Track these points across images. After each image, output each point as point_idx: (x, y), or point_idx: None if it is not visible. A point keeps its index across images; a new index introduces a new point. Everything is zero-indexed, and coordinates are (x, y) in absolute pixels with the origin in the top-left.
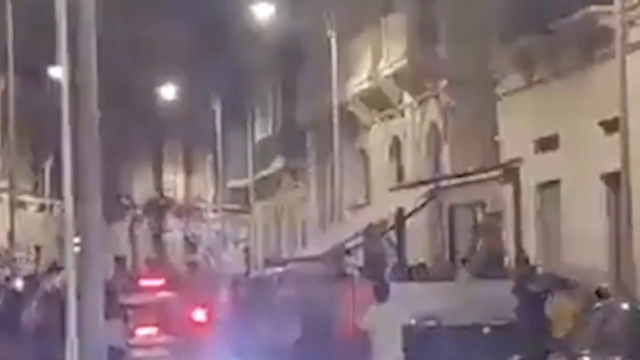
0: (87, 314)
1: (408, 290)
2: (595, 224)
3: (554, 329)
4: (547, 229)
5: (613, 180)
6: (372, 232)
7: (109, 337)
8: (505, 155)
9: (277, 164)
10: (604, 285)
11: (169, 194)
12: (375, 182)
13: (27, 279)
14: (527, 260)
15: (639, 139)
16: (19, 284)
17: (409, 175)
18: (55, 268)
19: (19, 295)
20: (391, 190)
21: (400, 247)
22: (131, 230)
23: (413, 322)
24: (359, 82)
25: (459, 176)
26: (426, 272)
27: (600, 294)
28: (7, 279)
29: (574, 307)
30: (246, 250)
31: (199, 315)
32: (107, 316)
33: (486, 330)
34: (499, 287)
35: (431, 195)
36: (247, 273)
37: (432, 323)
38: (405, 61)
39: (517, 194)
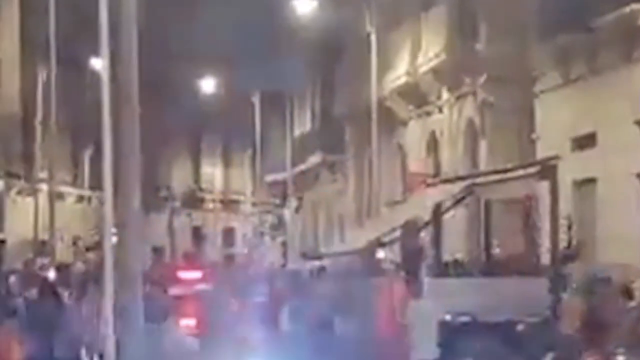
0: (125, 305)
1: (444, 286)
2: (631, 222)
3: (562, 325)
4: (583, 227)
5: None
6: (409, 228)
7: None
8: (542, 152)
9: (315, 158)
10: (634, 284)
11: (207, 187)
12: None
13: (62, 268)
14: (569, 257)
15: None
16: (51, 274)
17: (446, 171)
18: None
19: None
20: (428, 185)
21: (436, 243)
22: (170, 222)
23: (448, 317)
24: (398, 77)
25: (496, 172)
26: (462, 268)
27: (629, 293)
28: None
29: (581, 304)
30: (283, 243)
31: (235, 307)
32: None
33: (520, 327)
34: (535, 284)
35: (468, 191)
36: (284, 266)
37: (467, 319)
38: (444, 57)
39: (554, 192)
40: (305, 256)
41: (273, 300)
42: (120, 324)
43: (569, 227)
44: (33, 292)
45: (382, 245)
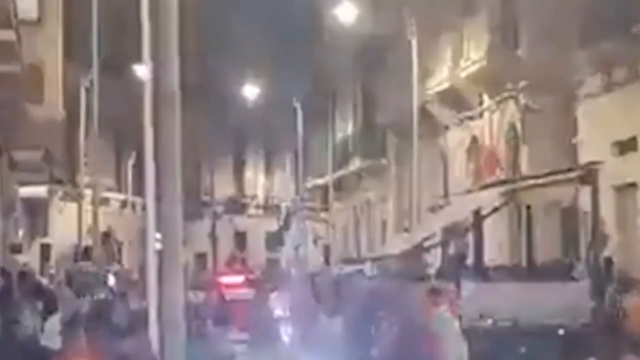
0: (167, 311)
1: (485, 291)
2: None
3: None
4: (624, 231)
5: None
6: (450, 233)
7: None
8: (584, 157)
9: (357, 163)
10: None
11: (249, 192)
12: (454, 182)
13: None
14: (610, 262)
15: None
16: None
17: (488, 176)
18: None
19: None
20: (470, 191)
21: (477, 248)
22: (212, 228)
23: (489, 322)
24: (439, 83)
25: (538, 177)
26: (503, 272)
27: None
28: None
29: None
30: (326, 248)
31: (278, 312)
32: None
33: (561, 331)
34: (576, 288)
35: (509, 196)
36: (326, 271)
37: (508, 324)
38: (485, 62)
39: (595, 196)
40: (347, 260)
41: (315, 304)
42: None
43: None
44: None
45: (424, 250)
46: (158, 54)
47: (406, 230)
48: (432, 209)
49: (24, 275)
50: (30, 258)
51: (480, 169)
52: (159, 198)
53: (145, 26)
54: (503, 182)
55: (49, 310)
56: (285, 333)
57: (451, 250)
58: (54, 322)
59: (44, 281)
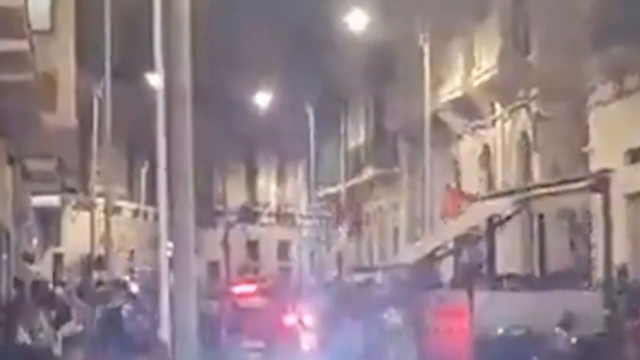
0: (179, 319)
1: (497, 299)
2: None
3: None
4: (636, 239)
5: None
6: (462, 241)
7: None
8: (596, 165)
9: (369, 171)
10: None
11: (262, 201)
12: (466, 191)
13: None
14: (622, 271)
15: None
16: (134, 288)
17: (500, 184)
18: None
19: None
20: (482, 199)
21: (490, 256)
22: (225, 236)
23: (501, 331)
24: (451, 91)
25: (549, 185)
26: (516, 281)
27: None
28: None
29: None
30: (338, 256)
31: (290, 321)
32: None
33: (574, 340)
34: (589, 298)
35: (521, 205)
36: (338, 279)
37: (520, 332)
38: (496, 70)
39: (607, 204)
40: (359, 269)
41: (327, 312)
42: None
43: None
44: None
45: (436, 258)
46: (170, 62)
47: (418, 238)
48: (445, 217)
49: (37, 284)
50: (43, 267)
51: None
52: (171, 206)
53: (157, 34)
54: (516, 191)
55: (62, 320)
56: (305, 341)
57: (464, 259)
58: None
59: (57, 290)
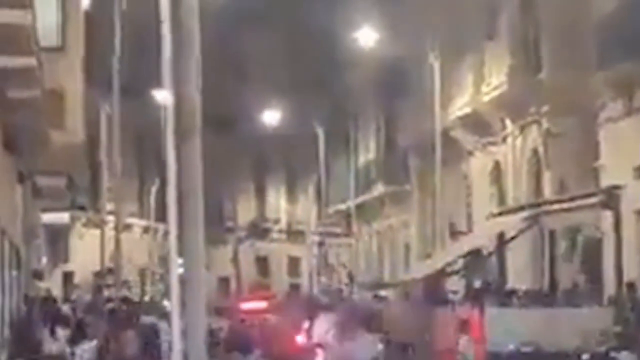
0: (190, 336)
1: (508, 315)
2: None
3: None
4: None
5: None
6: (473, 257)
7: None
8: (606, 181)
9: (380, 188)
10: None
11: (272, 217)
12: (477, 208)
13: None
14: (632, 286)
15: None
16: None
17: (511, 201)
18: None
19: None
20: (493, 215)
21: (501, 273)
22: (235, 253)
23: (512, 347)
24: (461, 107)
25: (560, 201)
26: (526, 297)
27: None
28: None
29: None
30: (349, 273)
31: (301, 339)
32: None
33: (585, 357)
34: (599, 314)
35: (532, 221)
36: (349, 296)
37: (530, 349)
38: (506, 86)
39: (617, 220)
40: (369, 285)
41: (337, 329)
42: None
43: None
44: None
45: (447, 275)
46: (179, 79)
47: (429, 255)
48: (455, 235)
49: (46, 301)
50: (52, 284)
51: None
52: (181, 223)
53: (166, 52)
54: (526, 207)
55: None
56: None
57: (475, 275)
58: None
59: (66, 308)
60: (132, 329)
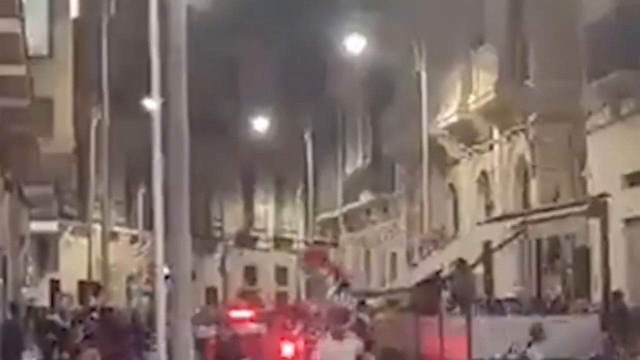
0: (177, 346)
1: (495, 324)
2: None
3: None
4: (635, 264)
5: None
6: (460, 266)
7: None
8: (594, 190)
9: (367, 196)
10: None
11: (259, 226)
12: (464, 216)
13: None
14: (618, 295)
15: None
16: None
17: (498, 209)
18: None
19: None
20: (479, 223)
21: (488, 281)
22: (222, 262)
23: (498, 356)
24: (448, 116)
25: (547, 210)
26: (514, 306)
27: None
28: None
29: None
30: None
31: (288, 349)
32: None
33: None
34: (587, 322)
35: (519, 229)
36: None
37: (517, 357)
38: (494, 95)
39: (605, 229)
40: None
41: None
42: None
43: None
44: None
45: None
46: (167, 87)
47: (416, 264)
48: (442, 243)
49: (33, 310)
50: (39, 293)
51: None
52: (168, 232)
53: (155, 60)
54: (513, 215)
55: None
56: None
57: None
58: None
59: (56, 317)
60: (95, 348)
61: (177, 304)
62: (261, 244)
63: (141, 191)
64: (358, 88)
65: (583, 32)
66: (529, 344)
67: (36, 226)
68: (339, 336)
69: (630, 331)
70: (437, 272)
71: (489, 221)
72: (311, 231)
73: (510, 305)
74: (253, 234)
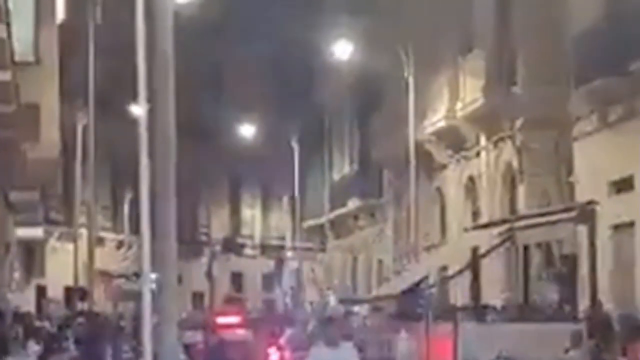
0: (163, 350)
1: (482, 330)
2: None
3: None
4: (622, 271)
5: None
6: (445, 272)
7: None
8: (581, 196)
9: (354, 202)
10: None
11: (246, 232)
12: (451, 222)
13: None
14: (598, 305)
15: None
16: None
17: (485, 215)
18: None
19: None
20: (466, 230)
21: (475, 287)
22: (209, 267)
23: None
24: (436, 122)
25: (534, 216)
26: (500, 312)
27: None
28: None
29: None
30: (321, 288)
31: (274, 355)
32: None
33: None
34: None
35: (506, 236)
36: (323, 311)
37: None
38: (481, 101)
39: (592, 235)
40: (343, 301)
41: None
42: None
43: None
44: None
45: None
46: (154, 93)
47: (402, 270)
48: (429, 248)
49: (19, 316)
50: (25, 299)
51: None
52: (154, 237)
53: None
54: (500, 222)
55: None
56: None
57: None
58: None
59: (42, 323)
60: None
61: (163, 309)
62: (248, 251)
63: (127, 196)
64: (345, 93)
65: (571, 39)
66: (566, 351)
67: (22, 232)
68: (333, 343)
69: (614, 339)
70: (423, 279)
71: (476, 227)
72: (298, 238)
73: (497, 311)
74: (240, 240)
